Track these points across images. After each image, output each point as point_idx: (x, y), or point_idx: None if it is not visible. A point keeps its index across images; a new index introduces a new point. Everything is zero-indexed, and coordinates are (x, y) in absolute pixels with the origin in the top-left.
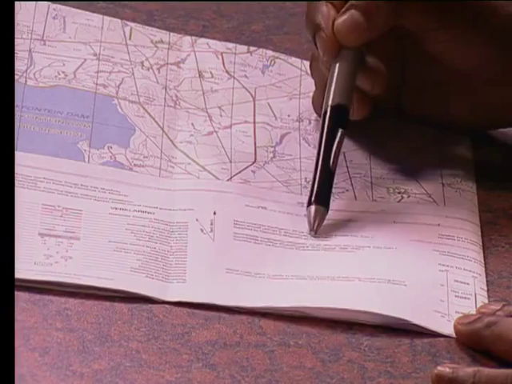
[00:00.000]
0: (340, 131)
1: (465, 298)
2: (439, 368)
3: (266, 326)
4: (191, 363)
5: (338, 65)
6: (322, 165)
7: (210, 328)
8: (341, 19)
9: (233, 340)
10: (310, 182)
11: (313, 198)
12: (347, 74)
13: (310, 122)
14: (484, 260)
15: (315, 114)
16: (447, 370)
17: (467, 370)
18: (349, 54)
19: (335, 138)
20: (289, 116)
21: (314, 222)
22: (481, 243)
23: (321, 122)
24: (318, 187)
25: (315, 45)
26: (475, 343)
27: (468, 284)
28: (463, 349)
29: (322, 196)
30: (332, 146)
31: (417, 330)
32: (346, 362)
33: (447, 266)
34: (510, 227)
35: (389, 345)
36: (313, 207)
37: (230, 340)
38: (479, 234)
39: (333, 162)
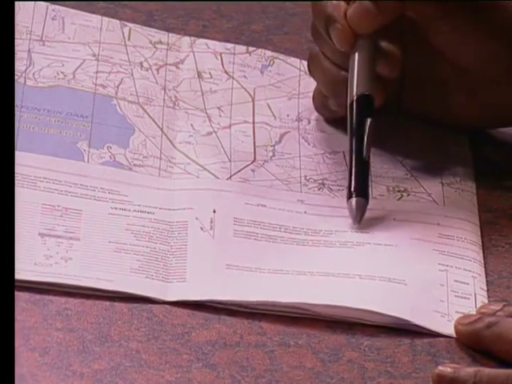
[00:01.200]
0: (369, 120)
1: (465, 297)
2: (440, 368)
3: (266, 326)
4: (191, 363)
5: (356, 55)
6: (356, 157)
7: (210, 328)
8: (352, 8)
9: (233, 340)
10: (347, 175)
11: (352, 191)
12: (367, 62)
13: (309, 122)
14: (484, 260)
15: (314, 114)
16: (448, 369)
17: (468, 370)
18: (365, 42)
19: (365, 128)
20: (288, 116)
21: (357, 214)
22: (480, 243)
23: (348, 113)
24: (355, 179)
25: (329, 39)
26: (475, 343)
27: (468, 284)
28: (463, 349)
29: (360, 187)
30: (363, 136)
31: (417, 330)
32: (346, 361)
33: (447, 265)
34: (510, 227)
35: (389, 345)
36: (354, 200)
37: (230, 340)
38: (479, 233)
39: (366, 153)
